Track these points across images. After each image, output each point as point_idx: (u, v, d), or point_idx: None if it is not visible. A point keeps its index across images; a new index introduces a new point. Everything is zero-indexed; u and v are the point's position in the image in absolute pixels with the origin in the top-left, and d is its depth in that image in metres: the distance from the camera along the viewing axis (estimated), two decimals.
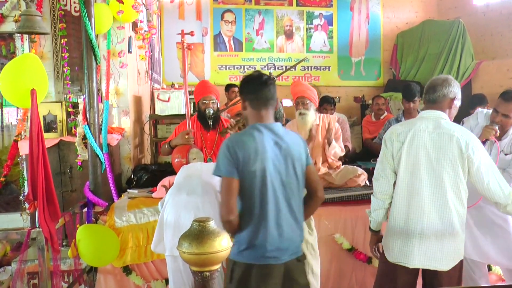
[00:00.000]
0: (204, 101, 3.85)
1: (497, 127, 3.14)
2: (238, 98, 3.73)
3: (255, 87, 2.35)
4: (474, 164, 2.47)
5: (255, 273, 2.25)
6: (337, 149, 4.13)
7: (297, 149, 2.35)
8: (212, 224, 1.35)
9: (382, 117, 5.97)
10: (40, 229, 2.97)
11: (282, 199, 2.28)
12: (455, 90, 2.63)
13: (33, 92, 2.82)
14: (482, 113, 3.42)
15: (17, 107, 4.65)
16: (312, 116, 4.06)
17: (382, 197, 2.64)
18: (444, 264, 2.49)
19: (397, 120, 4.76)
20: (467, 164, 2.47)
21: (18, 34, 4.33)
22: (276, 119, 2.89)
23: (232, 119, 3.81)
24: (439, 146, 2.48)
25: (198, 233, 1.32)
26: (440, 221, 2.48)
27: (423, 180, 2.49)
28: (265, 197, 2.24)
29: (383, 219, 2.71)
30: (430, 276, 2.54)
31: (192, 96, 4.18)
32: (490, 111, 3.33)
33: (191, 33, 4.12)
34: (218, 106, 3.93)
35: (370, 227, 2.80)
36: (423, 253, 2.49)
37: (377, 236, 2.79)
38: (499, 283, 3.65)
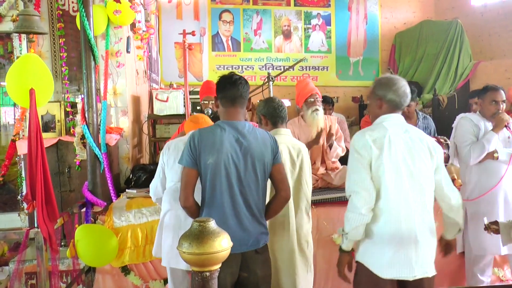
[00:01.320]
0: (204, 101, 3.88)
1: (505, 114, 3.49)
2: None
3: (224, 86, 2.50)
4: (439, 166, 2.46)
5: (234, 261, 2.37)
6: (339, 150, 4.14)
7: (261, 148, 2.43)
8: (213, 224, 1.35)
9: None
10: (39, 229, 2.96)
11: (238, 193, 2.39)
12: None
13: (31, 92, 2.82)
14: (467, 119, 3.63)
15: (15, 107, 4.65)
16: (323, 115, 4.06)
17: (366, 211, 2.34)
18: (433, 268, 2.41)
19: None
20: (435, 166, 2.45)
21: (16, 34, 4.32)
22: (282, 118, 2.92)
23: None
24: (413, 149, 2.40)
25: (198, 233, 1.32)
26: (425, 226, 2.39)
27: (406, 185, 2.35)
28: (220, 189, 2.37)
29: (362, 236, 2.40)
30: (415, 285, 2.37)
31: (191, 96, 4.20)
32: (468, 115, 3.64)
33: (193, 33, 4.13)
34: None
35: (341, 249, 2.47)
36: (421, 261, 2.34)
37: (350, 257, 2.47)
38: (498, 283, 3.66)
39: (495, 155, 3.48)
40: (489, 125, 3.56)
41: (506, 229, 2.70)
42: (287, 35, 8.07)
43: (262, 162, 2.43)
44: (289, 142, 2.96)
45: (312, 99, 4.04)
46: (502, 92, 3.56)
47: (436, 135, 4.58)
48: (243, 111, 2.53)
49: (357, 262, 2.45)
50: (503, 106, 3.54)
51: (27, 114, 3.22)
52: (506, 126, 3.49)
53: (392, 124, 2.46)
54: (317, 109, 3.99)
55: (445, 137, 4.20)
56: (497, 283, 3.67)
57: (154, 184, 3.08)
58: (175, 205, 2.85)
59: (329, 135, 4.06)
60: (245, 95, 2.50)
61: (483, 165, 3.54)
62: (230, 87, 2.48)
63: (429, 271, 2.36)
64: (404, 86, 2.49)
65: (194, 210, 2.43)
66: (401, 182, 2.35)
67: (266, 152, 2.45)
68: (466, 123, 3.61)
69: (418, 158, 2.40)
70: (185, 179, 2.40)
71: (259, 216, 2.47)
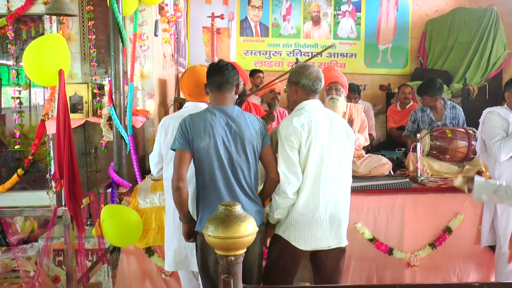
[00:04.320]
0: None
1: None
2: (269, 81, 3.74)
3: (212, 73, 2.63)
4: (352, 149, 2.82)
5: None
6: (361, 139, 4.08)
7: (250, 130, 2.58)
8: (239, 209, 1.35)
9: (407, 107, 5.86)
10: (66, 208, 3.02)
11: (231, 175, 2.54)
12: None
13: (60, 73, 2.85)
14: (495, 113, 3.53)
15: (44, 87, 4.73)
16: (343, 103, 4.01)
17: (293, 195, 2.63)
18: (345, 239, 2.76)
19: (422, 110, 4.66)
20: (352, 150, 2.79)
21: (47, 16, 4.37)
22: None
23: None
24: (334, 132, 2.68)
25: (224, 217, 1.32)
26: (342, 203, 2.72)
27: (327, 166, 2.63)
28: (214, 171, 2.52)
29: (286, 215, 2.70)
30: (326, 253, 2.71)
31: None
32: (496, 109, 3.53)
33: (221, 16, 4.11)
34: (245, 89, 3.91)
35: (269, 222, 2.79)
36: (334, 233, 2.68)
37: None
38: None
39: None
40: None
41: (480, 187, 3.01)
42: (316, 21, 7.96)
43: (252, 145, 2.58)
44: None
45: (330, 87, 4.01)
46: None
47: (465, 125, 4.48)
48: (231, 96, 2.65)
49: (277, 235, 2.71)
50: None
51: (56, 95, 3.27)
52: None
53: (313, 108, 2.70)
54: (333, 98, 3.96)
55: (474, 129, 4.10)
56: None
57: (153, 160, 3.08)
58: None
59: (348, 123, 4.01)
60: (231, 80, 2.62)
61: None
62: (216, 73, 2.60)
63: (343, 241, 2.73)
64: (316, 71, 2.75)
65: (186, 192, 2.53)
66: (322, 163, 2.62)
67: (255, 134, 2.60)
68: (494, 118, 3.49)
69: (338, 140, 2.69)
70: (179, 160, 2.50)
71: (253, 196, 2.62)
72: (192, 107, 2.96)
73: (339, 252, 2.75)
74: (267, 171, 2.68)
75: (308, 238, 2.66)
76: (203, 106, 2.93)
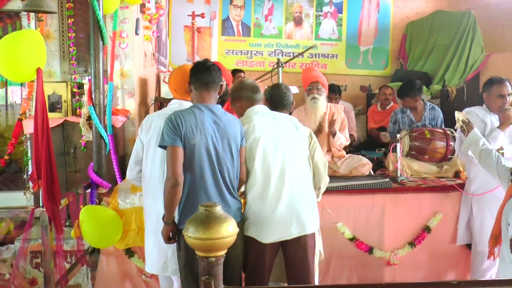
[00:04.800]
0: None
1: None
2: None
3: (199, 71, 2.65)
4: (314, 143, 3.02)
5: None
6: (342, 139, 4.12)
7: (233, 129, 2.64)
8: (219, 210, 1.34)
9: (388, 107, 5.93)
10: (44, 208, 2.97)
11: (219, 172, 2.57)
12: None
13: (39, 71, 2.79)
14: (474, 114, 3.57)
15: (22, 86, 4.64)
16: (324, 103, 4.04)
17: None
18: (310, 227, 2.81)
19: (402, 111, 4.72)
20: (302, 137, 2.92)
21: (25, 13, 4.29)
22: (283, 105, 2.96)
23: None
24: (280, 129, 2.84)
25: (204, 218, 1.31)
26: (298, 190, 2.80)
27: (278, 161, 2.77)
28: (204, 169, 2.53)
29: None
30: (293, 242, 2.77)
31: None
32: (475, 110, 3.59)
33: (202, 15, 4.08)
34: (227, 88, 3.89)
35: None
36: (296, 222, 2.74)
37: None
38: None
39: (501, 151, 3.44)
40: (496, 119, 3.51)
41: (473, 138, 3.21)
42: (298, 21, 7.99)
43: (235, 143, 2.64)
44: None
45: (311, 87, 4.04)
46: (508, 84, 3.47)
47: (443, 126, 4.54)
48: (215, 96, 2.69)
49: (246, 236, 2.75)
50: (509, 99, 3.46)
51: (34, 94, 3.21)
52: None
53: (255, 112, 2.87)
54: (314, 97, 4.00)
55: (452, 129, 4.17)
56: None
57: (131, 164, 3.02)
58: (156, 200, 2.81)
59: (331, 123, 4.05)
60: (217, 80, 2.66)
61: None
62: (204, 72, 2.63)
63: (307, 229, 2.77)
64: (251, 82, 3.05)
65: (181, 189, 2.51)
66: (269, 158, 2.75)
67: (237, 134, 2.66)
68: (472, 119, 3.55)
69: (286, 135, 2.84)
70: (173, 157, 2.47)
71: (235, 193, 2.69)
72: (177, 105, 2.94)
73: (305, 239, 2.79)
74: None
75: (269, 231, 2.72)
76: (187, 104, 2.91)
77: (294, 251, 2.78)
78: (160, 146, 2.57)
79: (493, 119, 3.51)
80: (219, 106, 2.68)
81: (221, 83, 2.72)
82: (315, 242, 2.89)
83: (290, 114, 3.21)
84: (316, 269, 2.97)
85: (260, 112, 2.89)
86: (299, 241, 2.77)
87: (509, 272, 2.56)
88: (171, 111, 2.71)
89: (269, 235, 2.72)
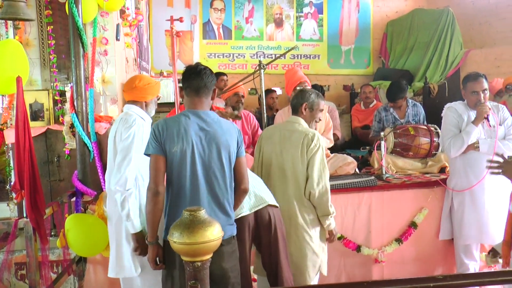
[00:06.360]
0: None
1: (487, 102, 3.51)
2: (233, 84, 3.71)
3: (189, 76, 2.54)
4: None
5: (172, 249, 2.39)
6: (324, 143, 4.14)
7: (226, 137, 2.48)
8: (204, 214, 1.34)
9: (371, 106, 5.98)
10: (28, 219, 2.93)
11: (203, 182, 2.43)
12: None
13: (18, 80, 2.77)
14: (452, 109, 3.64)
15: (1, 95, 4.57)
16: None
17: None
18: (269, 200, 2.82)
19: (386, 109, 4.76)
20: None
21: (2, 21, 4.23)
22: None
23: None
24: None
25: (189, 223, 1.31)
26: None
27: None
28: (183, 178, 2.41)
29: None
30: (261, 215, 2.79)
31: (181, 84, 4.14)
32: (454, 105, 3.64)
33: (180, 19, 4.07)
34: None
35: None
36: (254, 198, 2.79)
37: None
38: (486, 270, 3.70)
39: (475, 145, 3.50)
40: (473, 115, 3.57)
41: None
42: (278, 23, 8.01)
43: (228, 151, 2.48)
44: None
45: (300, 87, 4.05)
46: (483, 80, 3.51)
47: (425, 122, 4.60)
48: (208, 101, 2.57)
49: None
50: (484, 95, 3.50)
51: (15, 103, 3.17)
52: (485, 118, 3.48)
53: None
54: None
55: (435, 126, 4.22)
56: (485, 270, 3.72)
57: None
58: (115, 209, 2.84)
59: None
60: (209, 85, 2.54)
61: (467, 156, 3.56)
62: (195, 77, 2.52)
63: (266, 200, 2.79)
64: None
65: (163, 200, 2.44)
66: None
67: (231, 142, 2.50)
68: (450, 114, 3.62)
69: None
70: (154, 166, 2.41)
71: (227, 205, 2.49)
72: (123, 113, 3.00)
73: (270, 217, 2.78)
74: (239, 182, 2.58)
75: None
76: (136, 110, 2.97)
77: (265, 232, 2.78)
78: (145, 154, 2.51)
79: (471, 115, 3.57)
80: (211, 113, 2.54)
81: (214, 87, 2.60)
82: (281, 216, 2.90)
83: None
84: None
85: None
86: (266, 219, 2.77)
87: None
88: (120, 117, 2.80)
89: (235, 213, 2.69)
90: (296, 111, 3.23)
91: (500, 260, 2.86)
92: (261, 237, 2.79)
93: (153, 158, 2.42)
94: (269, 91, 6.24)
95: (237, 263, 2.54)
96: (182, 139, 2.40)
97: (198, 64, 2.59)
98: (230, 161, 2.50)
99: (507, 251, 2.73)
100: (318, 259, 3.06)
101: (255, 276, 3.23)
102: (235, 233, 2.57)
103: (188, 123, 2.44)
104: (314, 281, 3.04)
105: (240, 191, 2.59)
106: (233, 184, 2.56)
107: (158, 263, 2.48)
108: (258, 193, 2.80)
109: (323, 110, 3.32)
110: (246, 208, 2.73)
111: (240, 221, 2.69)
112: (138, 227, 2.70)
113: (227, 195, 2.50)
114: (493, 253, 2.89)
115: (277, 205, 2.87)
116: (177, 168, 2.41)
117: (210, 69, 2.59)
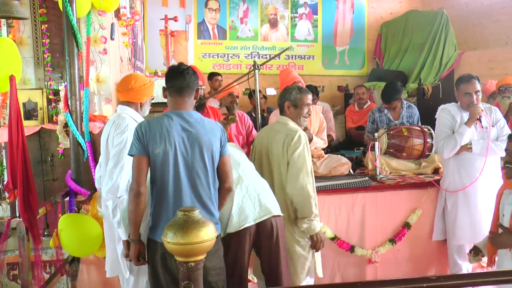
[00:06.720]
0: None
1: (480, 104, 3.52)
2: (227, 84, 3.71)
3: (172, 76, 2.54)
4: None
5: (159, 250, 2.44)
6: (319, 143, 4.15)
7: (209, 137, 2.49)
8: (198, 214, 1.34)
9: (365, 107, 5.99)
10: (20, 219, 2.92)
11: (185, 182, 2.44)
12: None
13: (12, 78, 2.75)
14: (446, 111, 3.66)
15: None
16: None
17: None
18: (274, 210, 2.81)
19: (380, 110, 4.78)
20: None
21: None
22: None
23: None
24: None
25: (183, 223, 1.30)
26: (254, 180, 2.89)
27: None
28: (166, 179, 2.42)
29: None
30: (263, 225, 2.78)
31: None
32: (447, 107, 3.66)
33: (175, 19, 4.05)
34: (203, 93, 3.89)
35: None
36: (259, 205, 2.79)
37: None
38: (479, 270, 3.72)
39: (468, 146, 3.52)
40: (466, 116, 3.59)
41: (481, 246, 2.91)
42: (273, 23, 8.02)
43: (210, 151, 2.49)
44: None
45: None
46: (475, 82, 3.53)
47: (420, 124, 4.62)
48: (191, 101, 2.57)
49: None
50: (477, 96, 3.52)
51: (8, 102, 3.15)
52: (478, 119, 3.50)
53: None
54: None
55: (428, 127, 4.24)
56: (478, 270, 3.74)
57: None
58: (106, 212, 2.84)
59: (305, 129, 4.07)
60: (192, 85, 2.54)
61: (460, 157, 3.58)
62: (177, 77, 2.52)
63: (272, 211, 2.76)
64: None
65: (145, 201, 2.46)
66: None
67: (214, 141, 2.51)
68: (444, 116, 3.64)
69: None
70: (137, 167, 2.41)
71: (210, 205, 2.51)
72: (115, 114, 2.97)
73: (272, 226, 2.76)
74: (223, 180, 2.59)
75: (235, 220, 2.70)
76: (130, 112, 2.93)
77: (267, 240, 2.75)
78: (128, 155, 2.53)
79: (464, 116, 3.60)
80: (194, 113, 2.56)
81: (197, 87, 2.61)
82: (284, 225, 2.89)
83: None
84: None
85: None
86: (266, 224, 2.74)
87: (508, 260, 2.60)
88: (112, 120, 2.78)
89: (237, 224, 2.70)
90: (281, 111, 3.23)
91: (484, 259, 2.88)
92: (261, 245, 2.79)
93: (136, 159, 2.43)
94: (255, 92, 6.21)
95: (220, 261, 2.55)
96: (164, 140, 2.41)
97: (180, 64, 2.59)
98: (213, 161, 2.51)
99: (492, 250, 2.77)
100: (307, 260, 3.04)
101: (253, 279, 3.23)
102: (219, 231, 2.59)
103: (171, 124, 2.45)
104: (310, 282, 3.03)
105: (224, 190, 2.60)
106: (217, 183, 2.58)
107: (140, 259, 2.53)
108: (263, 202, 2.78)
109: (310, 104, 3.24)
110: (251, 218, 2.72)
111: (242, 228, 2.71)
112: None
113: (210, 194, 2.51)
114: (474, 251, 2.90)
115: (281, 214, 2.85)
116: (160, 169, 2.43)
117: (192, 69, 2.59)
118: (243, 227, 2.70)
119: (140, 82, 3.01)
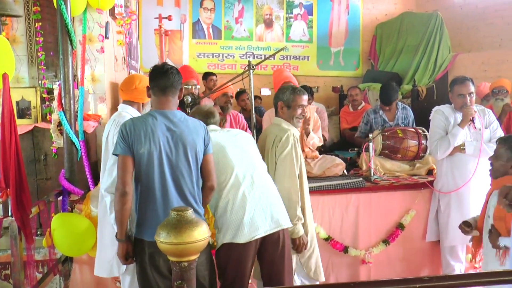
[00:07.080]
0: (186, 87, 3.80)
1: (473, 106, 3.54)
2: (222, 84, 3.71)
3: (156, 76, 2.54)
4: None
5: (147, 249, 2.45)
6: (316, 139, 4.15)
7: (193, 136, 2.50)
8: (191, 214, 1.34)
9: (359, 108, 6.01)
10: (13, 218, 2.90)
11: (170, 181, 2.45)
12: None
13: (5, 77, 2.74)
14: (440, 112, 3.67)
15: None
16: None
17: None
18: (284, 222, 2.77)
19: (375, 112, 4.79)
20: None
21: None
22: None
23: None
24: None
25: (176, 223, 1.30)
26: (267, 189, 2.81)
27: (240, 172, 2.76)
28: (151, 178, 2.43)
29: None
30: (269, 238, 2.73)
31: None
32: (441, 108, 3.67)
33: (169, 18, 4.05)
34: (198, 92, 3.89)
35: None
36: (270, 218, 2.71)
37: None
38: (471, 271, 3.74)
39: (462, 147, 3.54)
40: (460, 117, 3.61)
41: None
42: (268, 24, 8.03)
43: (194, 150, 2.50)
44: None
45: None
46: (469, 84, 3.55)
47: (414, 125, 4.63)
48: (175, 101, 2.58)
49: (223, 245, 2.68)
50: (470, 98, 3.54)
51: (1, 100, 3.13)
52: (471, 121, 3.52)
53: (211, 130, 2.86)
54: None
55: (423, 128, 4.25)
56: (471, 271, 3.76)
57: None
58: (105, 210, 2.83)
59: (305, 122, 4.07)
60: (176, 84, 2.55)
61: (453, 158, 3.60)
62: (161, 77, 2.52)
63: (282, 224, 2.72)
64: (207, 109, 3.06)
65: (131, 200, 2.45)
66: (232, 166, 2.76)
67: (198, 141, 2.52)
68: (438, 117, 3.66)
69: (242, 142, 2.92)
70: (122, 167, 2.41)
71: (195, 204, 2.52)
72: (116, 113, 2.97)
73: (279, 235, 2.73)
74: (206, 179, 2.60)
75: (246, 230, 2.64)
76: (131, 111, 2.94)
77: (270, 248, 2.73)
78: (113, 154, 2.53)
79: (458, 117, 3.62)
80: (178, 112, 2.56)
81: (181, 87, 2.61)
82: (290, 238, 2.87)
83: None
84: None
85: (215, 129, 2.93)
86: (274, 237, 2.71)
87: (493, 261, 2.63)
88: (112, 119, 2.76)
89: (247, 235, 2.64)
90: (276, 111, 3.22)
91: (475, 232, 2.93)
92: (265, 254, 2.75)
93: (121, 159, 2.43)
94: (240, 93, 6.22)
95: (208, 255, 2.60)
96: (149, 140, 2.42)
97: (164, 64, 2.61)
98: (196, 160, 2.52)
99: (477, 246, 2.86)
100: (292, 262, 2.98)
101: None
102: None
103: (155, 123, 2.45)
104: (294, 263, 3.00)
105: (207, 189, 2.61)
106: (201, 182, 2.59)
107: (128, 258, 2.53)
108: (275, 215, 2.72)
109: (304, 105, 3.20)
110: (261, 230, 2.67)
111: None
112: None
113: (194, 193, 2.53)
114: (465, 224, 3.00)
115: (290, 225, 2.83)
116: (145, 169, 2.43)
117: (176, 69, 2.60)
118: (254, 238, 2.65)
119: (144, 83, 3.05)
